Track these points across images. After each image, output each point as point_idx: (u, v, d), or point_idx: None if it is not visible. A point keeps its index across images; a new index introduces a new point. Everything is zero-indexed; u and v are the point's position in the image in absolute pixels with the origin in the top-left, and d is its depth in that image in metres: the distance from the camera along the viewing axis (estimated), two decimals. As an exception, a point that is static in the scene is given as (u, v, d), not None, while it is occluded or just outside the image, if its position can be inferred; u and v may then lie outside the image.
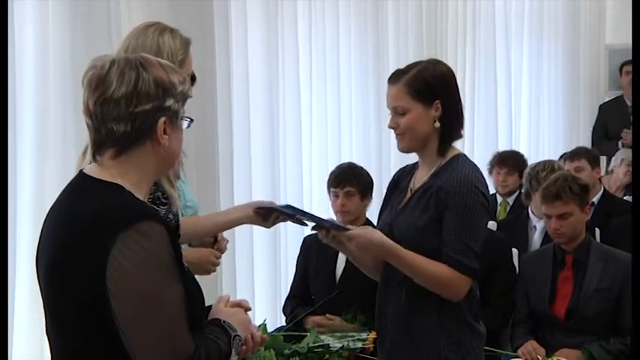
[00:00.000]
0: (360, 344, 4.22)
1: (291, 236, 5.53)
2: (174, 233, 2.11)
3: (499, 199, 6.19)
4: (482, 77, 7.39)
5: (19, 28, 4.28)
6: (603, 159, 6.65)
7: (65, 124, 4.39)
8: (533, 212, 5.34)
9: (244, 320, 2.20)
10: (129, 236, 1.95)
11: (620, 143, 7.37)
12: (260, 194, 5.45)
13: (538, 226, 5.28)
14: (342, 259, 4.53)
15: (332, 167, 5.01)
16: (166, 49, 2.87)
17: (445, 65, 3.10)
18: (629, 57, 7.29)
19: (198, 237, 3.13)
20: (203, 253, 3.16)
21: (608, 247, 4.55)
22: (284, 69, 5.69)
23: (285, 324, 4.75)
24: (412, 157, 3.17)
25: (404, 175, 3.17)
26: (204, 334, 2.08)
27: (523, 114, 7.98)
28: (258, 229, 5.47)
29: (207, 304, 2.20)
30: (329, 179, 4.79)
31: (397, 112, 2.99)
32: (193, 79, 2.95)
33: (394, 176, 3.24)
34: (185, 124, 2.14)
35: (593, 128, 8.06)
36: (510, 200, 6.16)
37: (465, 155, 3.08)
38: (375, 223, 3.34)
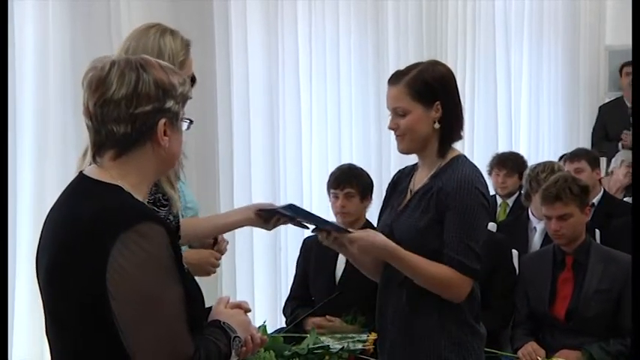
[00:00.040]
0: (360, 345, 4.22)
1: (291, 238, 5.53)
2: (174, 234, 2.11)
3: (499, 200, 6.19)
4: (482, 78, 7.39)
5: (19, 28, 4.28)
6: (603, 160, 6.65)
7: (65, 125, 4.39)
8: (533, 213, 5.34)
9: (244, 321, 2.20)
10: (129, 237, 1.95)
11: (620, 144, 7.37)
12: (260, 195, 5.45)
13: (538, 227, 5.28)
14: (341, 260, 4.52)
15: (332, 168, 5.01)
16: (167, 50, 2.87)
17: (445, 66, 3.10)
18: (629, 58, 7.30)
19: (198, 239, 3.13)
20: (203, 254, 3.16)
21: (608, 249, 4.55)
22: (284, 69, 5.69)
23: (285, 325, 4.75)
24: (412, 159, 3.17)
25: (403, 176, 3.17)
26: (204, 336, 2.08)
27: (523, 115, 7.97)
28: (258, 231, 5.46)
29: (207, 305, 2.20)
30: (329, 180, 4.79)
31: (397, 113, 2.99)
32: (193, 80, 2.95)
33: (393, 177, 3.24)
34: (185, 125, 2.14)
35: (593, 129, 8.06)
36: (510, 202, 6.16)
37: (464, 156, 3.08)
38: (375, 225, 3.33)
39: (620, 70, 8.04)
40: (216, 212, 4.99)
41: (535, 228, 5.33)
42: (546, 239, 5.02)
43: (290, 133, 5.74)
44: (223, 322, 2.14)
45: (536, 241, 5.29)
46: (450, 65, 3.16)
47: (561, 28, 8.23)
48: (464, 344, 2.98)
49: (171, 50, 2.89)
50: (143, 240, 1.96)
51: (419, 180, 3.06)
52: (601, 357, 4.27)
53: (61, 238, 2.04)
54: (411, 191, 3.07)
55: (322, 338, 4.26)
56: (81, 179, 2.12)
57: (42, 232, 2.13)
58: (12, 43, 4.12)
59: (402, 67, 3.08)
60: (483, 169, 5.76)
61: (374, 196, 4.70)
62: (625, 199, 6.14)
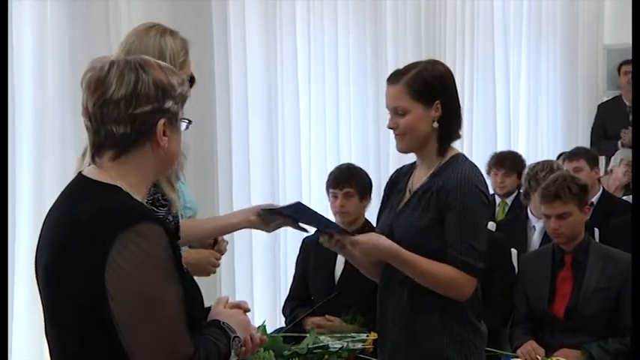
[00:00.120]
0: (359, 345, 4.22)
1: (291, 237, 5.52)
2: (173, 234, 2.11)
3: (497, 199, 6.19)
4: (481, 77, 7.39)
5: (17, 29, 4.28)
6: (602, 159, 6.65)
7: (64, 126, 4.39)
8: (532, 212, 5.34)
9: (243, 321, 2.20)
10: (127, 238, 1.95)
11: (619, 143, 7.37)
12: (259, 195, 5.45)
13: (537, 226, 5.28)
14: (341, 260, 4.52)
15: (331, 168, 5.01)
16: (169, 51, 2.87)
17: (444, 65, 3.10)
18: (628, 57, 7.32)
19: (198, 240, 3.13)
20: (203, 254, 3.16)
21: (607, 247, 4.55)
22: (282, 69, 5.69)
23: (284, 325, 4.75)
24: (411, 158, 3.17)
25: (401, 175, 3.17)
26: (204, 336, 2.08)
27: (522, 114, 7.98)
28: (257, 231, 5.47)
29: (206, 305, 2.20)
30: (328, 180, 4.79)
31: (397, 112, 2.99)
32: (193, 80, 2.95)
33: (391, 177, 3.24)
34: (184, 125, 2.14)
35: (592, 128, 8.07)
36: (509, 201, 6.16)
37: (463, 155, 3.08)
38: (374, 224, 3.33)
39: (619, 69, 8.04)
40: (215, 212, 5.00)
41: (534, 227, 5.33)
42: (545, 238, 5.02)
43: (289, 133, 5.74)
44: (222, 322, 2.14)
45: (535, 240, 5.29)
46: (448, 65, 3.16)
47: (560, 27, 8.23)
48: (466, 342, 2.98)
49: (172, 51, 2.89)
50: (142, 240, 1.96)
51: (418, 179, 3.06)
52: (600, 356, 4.27)
53: (60, 239, 2.04)
54: (410, 190, 3.07)
55: (322, 338, 4.26)
56: (80, 180, 2.12)
57: (41, 232, 2.13)
58: (10, 43, 4.12)
59: (400, 67, 3.08)
60: (482, 169, 5.76)
61: (373, 195, 4.71)
62: (624, 197, 6.14)
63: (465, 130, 7.07)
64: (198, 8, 5.01)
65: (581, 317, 4.35)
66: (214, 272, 3.23)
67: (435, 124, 2.99)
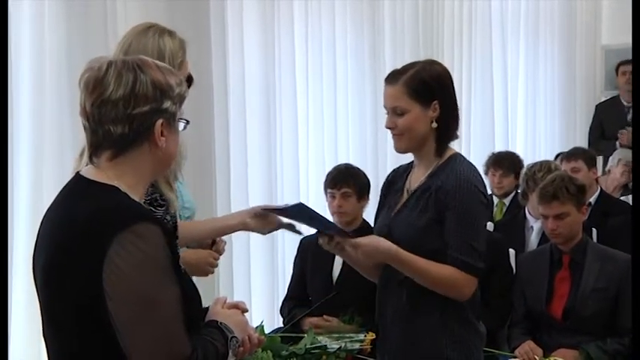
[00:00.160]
0: (357, 345, 4.22)
1: (289, 238, 5.51)
2: (171, 235, 2.11)
3: (495, 200, 6.19)
4: (479, 77, 7.39)
5: (15, 28, 4.28)
6: (600, 159, 6.66)
7: (61, 126, 4.39)
8: (530, 213, 5.34)
9: (241, 322, 2.20)
10: (125, 238, 1.95)
11: (617, 143, 7.38)
12: (257, 195, 5.45)
13: (535, 226, 5.28)
14: (338, 260, 4.52)
15: (329, 168, 5.01)
16: (167, 51, 2.87)
17: (442, 65, 3.10)
18: (625, 57, 7.33)
19: (196, 241, 3.13)
20: (201, 254, 3.16)
21: (605, 247, 4.55)
22: (280, 70, 5.69)
23: (282, 325, 4.75)
24: (409, 158, 3.17)
25: (398, 175, 3.17)
26: (201, 336, 2.08)
27: (519, 114, 7.98)
28: (255, 231, 5.48)
29: (204, 305, 2.20)
30: (326, 180, 4.79)
31: (395, 112, 2.98)
32: (191, 80, 2.95)
33: (388, 177, 3.24)
34: (181, 125, 2.14)
35: (590, 128, 8.07)
36: (507, 201, 6.16)
37: (461, 155, 3.09)
38: (372, 225, 3.33)
39: (617, 69, 8.04)
40: (213, 212, 5.00)
41: (532, 227, 5.34)
42: (543, 238, 5.02)
43: (286, 133, 5.74)
44: (220, 323, 2.13)
45: (533, 240, 5.29)
46: (446, 65, 3.16)
47: (557, 27, 8.23)
48: (466, 343, 2.98)
49: (171, 51, 2.89)
50: (140, 240, 1.96)
51: (415, 179, 3.06)
52: (598, 356, 4.28)
53: (58, 239, 2.04)
54: (407, 190, 3.07)
55: (320, 338, 4.26)
56: (77, 180, 2.11)
57: (39, 232, 2.13)
58: (8, 43, 4.12)
59: (398, 67, 3.08)
60: (480, 169, 5.75)
61: (371, 195, 4.70)
62: (622, 197, 6.15)
63: (462, 130, 7.06)
64: (195, 8, 5.00)
65: (579, 317, 4.35)
66: (213, 272, 3.23)
67: (434, 124, 2.99)
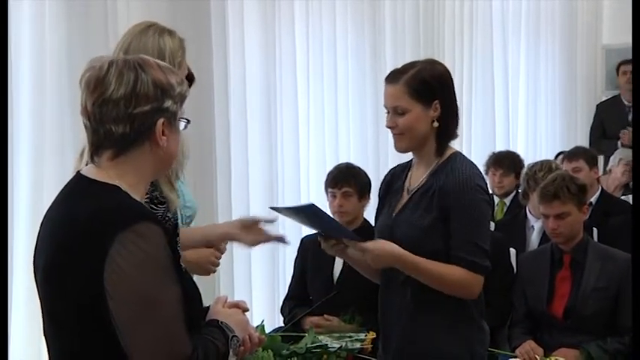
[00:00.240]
0: (358, 344, 4.22)
1: (289, 236, 5.50)
2: (172, 234, 2.11)
3: (496, 199, 6.18)
4: (480, 77, 7.38)
5: (16, 28, 4.28)
6: (601, 158, 6.65)
7: (62, 125, 4.39)
8: (530, 212, 5.34)
9: (242, 321, 2.20)
10: (126, 237, 1.95)
11: (618, 143, 7.37)
12: (257, 194, 5.46)
13: (536, 226, 5.28)
14: (339, 260, 4.51)
15: (329, 167, 5.01)
16: (167, 50, 2.87)
17: (442, 65, 3.10)
18: (626, 57, 7.31)
19: (187, 248, 3.13)
20: (203, 253, 3.16)
21: (606, 247, 4.55)
22: (281, 69, 5.69)
23: (283, 324, 4.75)
24: (410, 157, 3.17)
25: (396, 175, 3.17)
26: (202, 335, 2.08)
27: (520, 113, 7.97)
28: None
29: (204, 304, 2.20)
30: (326, 180, 4.79)
31: (396, 111, 2.99)
32: (192, 79, 2.96)
33: (386, 177, 3.23)
34: (182, 125, 2.14)
35: (591, 128, 8.07)
36: (507, 201, 6.16)
37: (461, 153, 3.09)
38: (373, 224, 3.33)
39: (617, 69, 8.04)
40: (214, 212, 5.01)
41: (533, 227, 5.33)
42: (544, 238, 5.02)
43: (287, 133, 5.74)
44: (221, 322, 2.13)
45: (533, 239, 5.29)
46: (447, 65, 3.16)
47: (558, 27, 8.23)
48: (470, 340, 2.99)
49: (171, 50, 2.89)
50: (141, 240, 1.96)
51: (416, 179, 3.06)
52: (599, 355, 4.28)
53: (59, 238, 2.04)
54: (408, 190, 3.06)
55: (320, 337, 4.26)
56: (78, 179, 2.11)
57: (39, 232, 2.13)
58: (9, 42, 4.12)
59: (399, 67, 3.08)
60: (480, 169, 5.75)
61: (372, 195, 4.70)
62: (623, 197, 6.15)
63: (463, 129, 7.09)
64: (196, 8, 5.00)
65: (580, 317, 4.35)
66: (215, 271, 3.23)
67: (434, 124, 2.99)
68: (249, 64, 5.45)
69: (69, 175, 2.21)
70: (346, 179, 4.69)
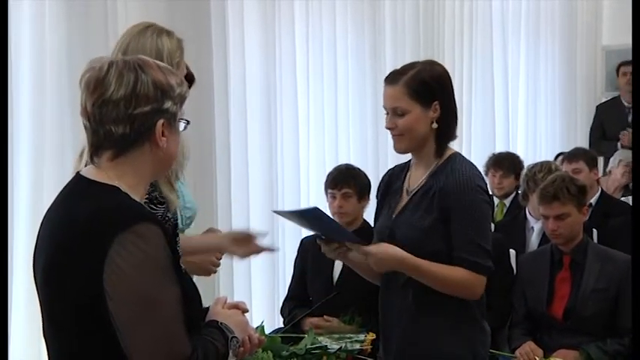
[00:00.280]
0: (357, 346, 4.22)
1: (289, 238, 5.52)
2: (172, 235, 2.11)
3: (495, 200, 6.18)
4: (480, 77, 7.38)
5: (16, 28, 4.27)
6: (600, 160, 6.66)
7: (62, 126, 4.39)
8: (530, 213, 5.34)
9: (241, 322, 2.20)
10: (126, 238, 1.95)
11: (618, 144, 7.37)
12: (257, 195, 5.45)
13: (535, 227, 5.28)
14: (339, 261, 4.51)
15: (329, 168, 5.01)
16: (165, 50, 2.88)
17: (441, 66, 3.11)
18: (626, 58, 7.31)
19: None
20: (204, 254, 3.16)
21: (605, 248, 4.55)
22: (281, 70, 5.69)
23: (282, 325, 4.74)
24: (409, 158, 3.16)
25: (394, 176, 3.17)
26: (202, 336, 2.08)
27: (520, 114, 7.97)
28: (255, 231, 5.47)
29: (204, 305, 2.20)
30: (326, 181, 4.79)
31: (396, 112, 2.98)
32: (193, 79, 2.96)
33: (383, 178, 3.23)
34: (182, 126, 2.14)
35: (591, 129, 8.06)
36: (507, 202, 6.16)
37: (460, 154, 3.09)
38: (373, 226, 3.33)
39: (617, 70, 8.04)
40: (214, 212, 5.01)
41: (532, 228, 5.33)
42: (544, 239, 5.02)
43: (287, 134, 5.74)
44: (221, 323, 2.13)
45: (533, 240, 5.29)
46: (447, 65, 3.17)
47: (558, 27, 8.23)
48: (472, 341, 3.00)
49: (169, 51, 2.90)
50: (140, 240, 1.96)
51: (415, 179, 3.06)
52: (598, 356, 4.28)
53: (58, 239, 2.04)
54: (407, 191, 3.06)
55: (320, 338, 4.26)
56: (78, 180, 2.11)
57: (39, 232, 2.13)
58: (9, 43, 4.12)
59: (399, 67, 3.08)
60: (480, 170, 5.75)
61: (371, 196, 4.70)
62: (622, 198, 6.15)
63: (463, 130, 7.10)
64: (196, 8, 5.00)
65: (580, 318, 4.35)
66: (215, 272, 3.23)
67: (434, 125, 2.99)
68: (249, 65, 5.45)
69: (69, 176, 2.21)
70: (346, 180, 4.68)
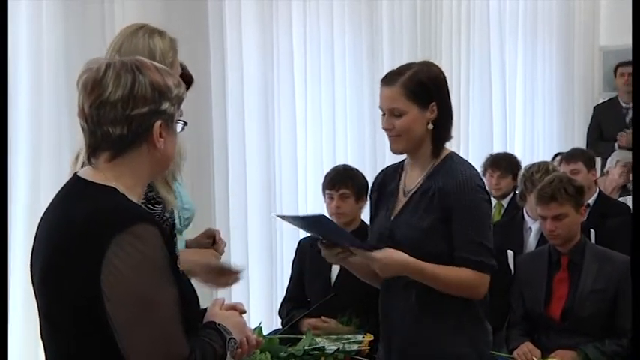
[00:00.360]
0: (355, 346, 4.22)
1: (287, 239, 5.52)
2: (169, 235, 2.10)
3: (493, 201, 6.17)
4: (477, 77, 7.38)
5: (13, 29, 4.26)
6: (598, 160, 6.66)
7: (59, 127, 4.38)
8: (528, 214, 5.33)
9: (239, 323, 2.19)
10: (123, 239, 1.95)
11: (616, 145, 7.37)
12: (255, 196, 5.45)
13: (533, 227, 5.27)
14: (337, 262, 4.52)
15: (327, 169, 5.01)
16: (158, 51, 2.88)
17: (437, 67, 3.11)
18: (623, 58, 7.33)
19: None
20: (203, 254, 3.16)
21: (603, 248, 4.55)
22: (279, 70, 5.69)
23: (280, 326, 4.74)
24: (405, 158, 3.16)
25: (388, 176, 3.16)
26: (199, 337, 2.07)
27: (518, 114, 7.97)
28: (253, 232, 5.48)
29: (202, 306, 2.20)
30: (324, 181, 4.79)
31: (393, 113, 2.98)
32: (191, 80, 2.96)
33: (377, 178, 3.22)
34: (179, 127, 2.14)
35: (588, 130, 8.07)
36: (505, 202, 6.16)
37: (456, 154, 3.11)
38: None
39: (615, 71, 8.05)
40: (212, 213, 5.00)
41: (530, 228, 5.33)
42: (541, 239, 5.01)
43: (285, 134, 5.74)
44: (218, 324, 2.13)
45: (531, 241, 5.29)
46: (444, 65, 3.18)
47: (556, 27, 8.23)
48: (477, 340, 3.01)
49: (161, 51, 2.90)
50: (138, 241, 1.96)
51: (411, 180, 3.06)
52: (596, 357, 4.27)
53: (56, 240, 2.03)
54: (404, 192, 3.06)
55: (318, 339, 4.26)
56: (75, 181, 2.11)
57: (36, 234, 2.13)
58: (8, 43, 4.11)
59: (394, 68, 3.08)
60: (478, 170, 5.75)
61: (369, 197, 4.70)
62: (620, 199, 6.15)
63: (461, 130, 7.09)
64: (193, 9, 5.00)
65: (577, 318, 4.35)
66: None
67: (430, 126, 2.99)
68: (246, 65, 5.45)
69: (66, 177, 2.20)
70: (344, 181, 4.68)
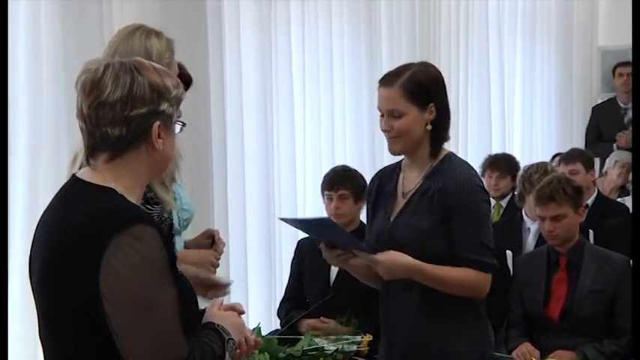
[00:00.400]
0: (354, 347, 4.22)
1: (286, 239, 5.52)
2: (168, 236, 2.10)
3: (492, 201, 6.18)
4: (476, 78, 7.38)
5: (12, 29, 4.25)
6: (597, 161, 6.66)
7: (58, 127, 4.37)
8: (526, 214, 5.34)
9: (238, 323, 2.19)
10: (122, 240, 1.94)
11: (614, 145, 7.38)
12: (254, 196, 5.45)
13: (532, 228, 5.28)
14: (336, 263, 4.52)
15: (325, 169, 5.00)
16: (154, 52, 2.88)
17: (435, 68, 3.12)
18: (622, 59, 7.33)
19: None
20: (203, 254, 3.16)
21: (602, 249, 4.56)
22: (277, 71, 5.68)
23: (279, 327, 4.74)
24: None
25: (385, 177, 3.16)
26: (198, 338, 2.07)
27: (516, 115, 7.97)
28: (251, 232, 5.48)
29: (200, 307, 2.20)
30: (323, 182, 4.79)
31: (392, 115, 2.98)
32: (190, 80, 2.96)
33: (374, 180, 3.22)
34: (178, 128, 2.14)
35: (587, 130, 8.07)
36: (503, 203, 6.16)
37: (454, 154, 3.11)
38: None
39: (613, 71, 8.05)
40: (210, 214, 5.00)
41: (529, 229, 5.33)
42: (540, 240, 5.01)
43: (283, 135, 5.74)
44: (217, 324, 2.13)
45: (530, 241, 5.29)
46: (443, 66, 3.18)
47: (554, 28, 8.24)
48: (480, 338, 3.02)
49: (158, 51, 2.91)
50: (137, 242, 1.95)
51: (409, 181, 3.06)
52: (595, 357, 4.28)
53: (54, 242, 2.03)
54: (403, 193, 3.06)
55: (317, 340, 4.26)
56: (74, 182, 2.11)
57: (35, 235, 2.12)
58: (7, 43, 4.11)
59: (392, 69, 3.08)
60: (476, 170, 5.75)
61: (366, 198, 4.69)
62: (618, 199, 6.15)
63: (459, 131, 7.09)
64: (192, 9, 4.99)
65: (576, 319, 4.35)
66: (214, 272, 3.23)
67: (429, 127, 2.99)
68: (245, 66, 5.45)
69: (64, 178, 2.20)
70: (342, 182, 4.68)
